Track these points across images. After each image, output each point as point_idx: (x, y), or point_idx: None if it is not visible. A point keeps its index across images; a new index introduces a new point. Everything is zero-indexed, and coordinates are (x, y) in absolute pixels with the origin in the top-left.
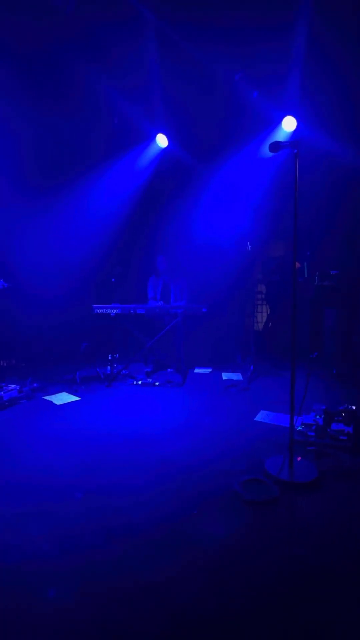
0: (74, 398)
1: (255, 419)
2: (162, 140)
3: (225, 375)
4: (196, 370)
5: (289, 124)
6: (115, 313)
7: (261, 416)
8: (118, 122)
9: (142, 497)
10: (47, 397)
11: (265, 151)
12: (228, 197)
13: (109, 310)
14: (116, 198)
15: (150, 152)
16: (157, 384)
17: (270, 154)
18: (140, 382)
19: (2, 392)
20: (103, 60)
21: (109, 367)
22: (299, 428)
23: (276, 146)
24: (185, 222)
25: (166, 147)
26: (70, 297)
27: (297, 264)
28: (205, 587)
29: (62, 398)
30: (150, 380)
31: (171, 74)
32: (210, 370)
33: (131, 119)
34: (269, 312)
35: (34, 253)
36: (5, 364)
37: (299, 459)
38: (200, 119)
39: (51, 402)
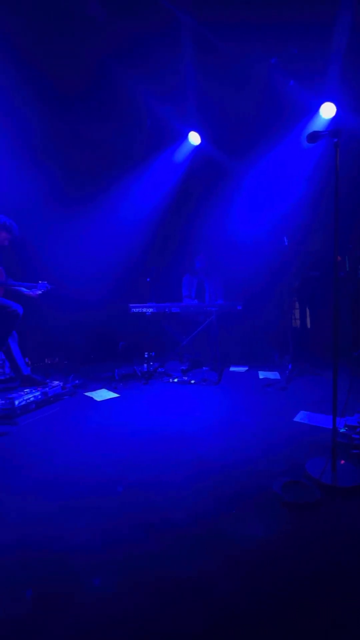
0: (113, 395)
1: (294, 419)
2: (194, 138)
3: (262, 374)
4: (232, 369)
5: (327, 110)
6: (151, 312)
7: (301, 417)
8: (150, 124)
9: (180, 494)
10: (88, 394)
11: (303, 142)
12: (263, 192)
13: (144, 310)
14: (150, 198)
15: (183, 151)
16: (192, 382)
17: (308, 145)
18: (176, 380)
19: (47, 388)
20: (136, 64)
21: (145, 365)
22: (342, 430)
23: (314, 136)
24: (220, 219)
25: (199, 145)
26: (109, 297)
27: (339, 258)
28: (243, 586)
29: (102, 395)
30: (186, 378)
31: (205, 70)
32: (246, 368)
33: (163, 119)
34: (307, 309)
35: (74, 256)
36: (49, 362)
37: (342, 462)
38: (233, 113)
39: (92, 398)
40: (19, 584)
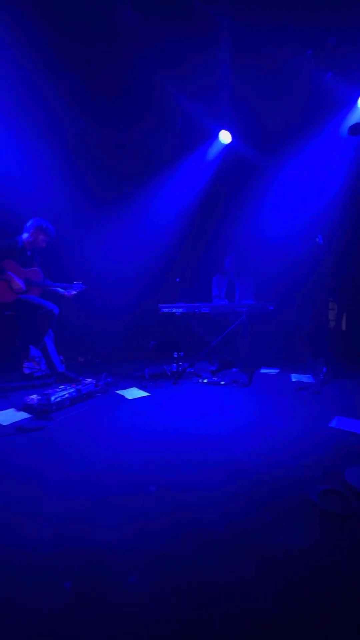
0: (143, 393)
1: (329, 424)
2: (225, 137)
3: (294, 377)
4: (262, 371)
5: None
6: (181, 312)
7: (337, 422)
8: (181, 123)
9: (212, 496)
10: (119, 392)
11: (340, 136)
12: (297, 189)
13: (174, 310)
14: (180, 198)
15: (213, 150)
16: (222, 383)
17: (346, 138)
18: (205, 381)
19: (81, 386)
20: (169, 66)
21: (175, 365)
22: None
23: (357, 128)
24: (251, 218)
25: (229, 143)
26: (139, 297)
27: None
28: (280, 594)
29: (133, 393)
30: (216, 379)
31: (238, 67)
32: (277, 371)
33: (193, 118)
34: (343, 310)
35: (106, 256)
36: (82, 360)
37: None
38: (266, 110)
39: (123, 396)
40: (57, 576)
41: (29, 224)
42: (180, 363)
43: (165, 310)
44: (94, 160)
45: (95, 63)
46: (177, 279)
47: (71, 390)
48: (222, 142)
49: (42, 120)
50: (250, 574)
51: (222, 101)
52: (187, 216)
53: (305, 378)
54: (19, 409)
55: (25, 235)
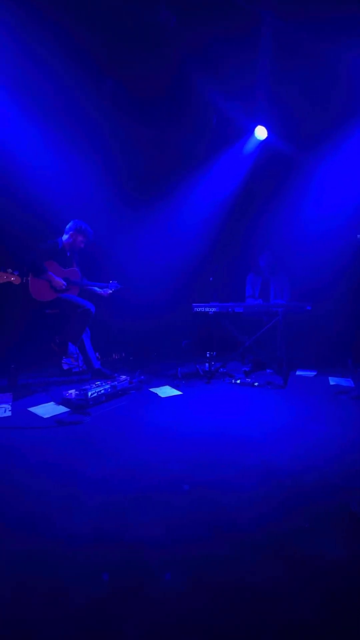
0: (176, 392)
1: None
2: (261, 133)
3: (332, 380)
4: (298, 373)
5: None
6: (214, 311)
7: None
8: (217, 121)
9: (246, 499)
10: (152, 389)
11: None
12: (336, 185)
13: (207, 309)
14: (214, 197)
15: (249, 147)
16: (256, 384)
17: None
18: (238, 382)
19: (116, 382)
20: (206, 64)
21: (207, 365)
22: None
23: None
24: (287, 215)
25: (266, 139)
26: (172, 296)
27: None
28: (314, 602)
29: (166, 391)
30: (249, 380)
31: (279, 62)
32: (314, 373)
33: (229, 115)
34: None
35: (140, 256)
36: (116, 357)
37: None
38: (306, 104)
39: (156, 394)
40: (96, 567)
41: (68, 226)
42: (213, 363)
43: (198, 309)
44: (129, 160)
45: (132, 65)
46: (211, 278)
47: (107, 387)
48: (258, 138)
49: (79, 122)
50: (285, 579)
51: (259, 96)
52: (221, 214)
53: (344, 382)
54: (58, 402)
55: (65, 237)
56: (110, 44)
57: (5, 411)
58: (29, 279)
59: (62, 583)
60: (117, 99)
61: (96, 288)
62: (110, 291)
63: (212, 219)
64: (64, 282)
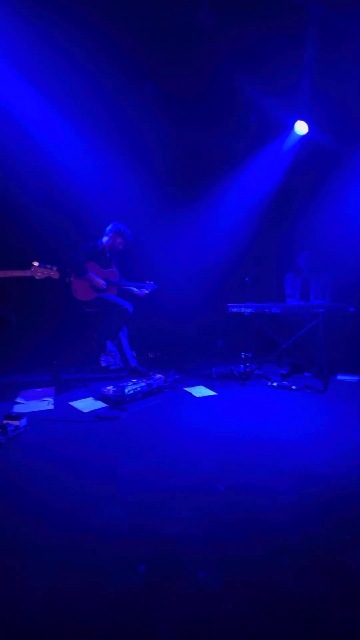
0: (210, 392)
1: None
2: (301, 128)
3: None
4: (339, 377)
5: None
6: (250, 312)
7: None
8: (255, 119)
9: (282, 503)
10: (187, 389)
11: None
12: None
13: (243, 309)
14: (252, 195)
15: (288, 143)
16: (293, 387)
17: None
18: (275, 384)
19: (151, 380)
20: (246, 62)
21: (242, 366)
22: None
23: None
24: (329, 212)
25: (306, 134)
26: (208, 296)
27: None
28: (355, 615)
29: (201, 391)
30: (286, 383)
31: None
32: (357, 378)
33: (267, 111)
34: None
35: (176, 256)
36: (152, 356)
37: None
38: (351, 97)
39: (191, 394)
40: (132, 559)
41: (108, 228)
42: (248, 364)
43: (234, 310)
44: (166, 161)
45: (170, 66)
46: (247, 278)
47: (143, 384)
48: (298, 133)
49: (119, 127)
50: (322, 588)
51: (301, 90)
52: (258, 213)
53: None
54: (97, 398)
55: (105, 239)
56: (149, 47)
57: (48, 404)
58: (72, 279)
59: (101, 572)
60: (156, 101)
61: (133, 288)
62: (147, 291)
63: (248, 218)
64: (104, 282)
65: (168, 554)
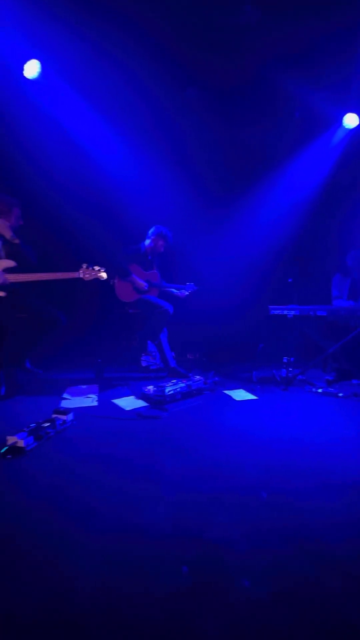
0: (251, 396)
1: None
2: (351, 120)
3: None
4: None
5: None
6: (293, 314)
7: None
8: (300, 115)
9: (333, 518)
10: (226, 392)
11: None
12: None
13: (285, 312)
14: (296, 193)
15: (336, 138)
16: (340, 395)
17: None
18: (320, 391)
19: (191, 382)
20: (292, 58)
21: (284, 370)
22: None
23: None
24: None
25: (356, 127)
26: (249, 298)
27: None
28: None
29: (241, 395)
30: (333, 390)
31: None
32: None
33: (313, 106)
34: None
35: (215, 257)
36: (191, 357)
37: None
38: None
39: (230, 397)
40: (175, 559)
41: (150, 231)
42: (291, 369)
43: (276, 312)
44: (208, 162)
45: (212, 68)
46: (290, 279)
47: (182, 385)
48: (347, 126)
49: (160, 130)
50: None
51: (352, 81)
52: (303, 210)
53: None
54: (137, 397)
55: (147, 242)
56: (192, 49)
57: (92, 401)
58: (116, 281)
59: (145, 569)
60: (197, 102)
61: (174, 290)
62: (187, 293)
63: (292, 216)
64: (146, 284)
65: (211, 558)
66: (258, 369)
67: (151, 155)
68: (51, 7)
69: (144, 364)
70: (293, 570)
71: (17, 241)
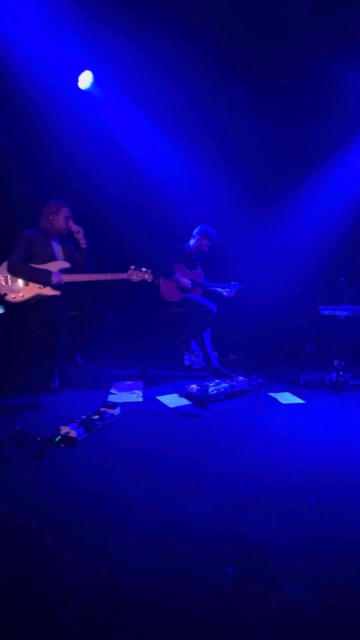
0: (298, 400)
1: None
2: None
3: None
4: None
5: None
6: (345, 315)
7: None
8: (355, 102)
9: None
10: (271, 394)
11: None
12: None
13: (337, 312)
14: (350, 186)
15: None
16: None
17: None
18: None
19: (234, 382)
20: (347, 44)
21: (334, 374)
22: None
23: None
24: None
25: None
26: (296, 298)
27: None
28: None
29: (287, 398)
30: None
31: None
32: None
33: None
34: None
35: (261, 256)
36: (234, 358)
37: None
38: None
39: (276, 399)
40: (220, 559)
41: (195, 230)
42: (341, 373)
43: (326, 312)
44: (253, 158)
45: (260, 63)
46: (342, 279)
47: (226, 386)
48: None
49: (205, 128)
50: None
51: None
52: (357, 206)
53: None
54: (181, 395)
55: (192, 242)
56: (240, 45)
57: (138, 397)
58: (160, 280)
59: (190, 567)
60: (245, 99)
61: (218, 289)
62: (232, 292)
63: (345, 211)
64: (190, 282)
65: (257, 561)
66: (306, 371)
67: (197, 155)
68: (102, 15)
69: (186, 362)
70: (345, 583)
71: (84, 246)
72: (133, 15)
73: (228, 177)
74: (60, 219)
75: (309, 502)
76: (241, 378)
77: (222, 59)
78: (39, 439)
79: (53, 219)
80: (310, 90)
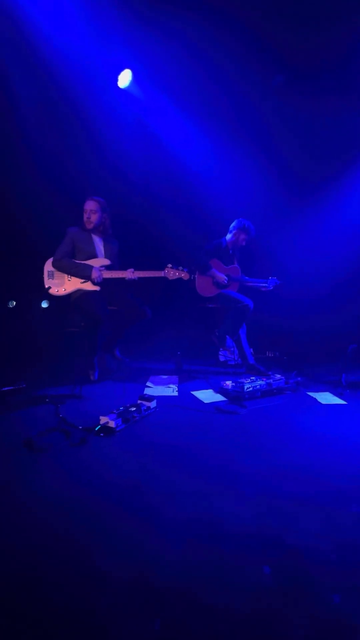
0: (338, 401)
1: None
2: None
3: None
4: None
5: None
6: None
7: None
8: None
9: None
10: (310, 394)
11: None
12: None
13: None
14: None
15: None
16: None
17: None
18: None
19: (271, 380)
20: None
21: None
22: None
23: None
24: None
25: None
26: (337, 295)
27: None
28: None
29: (327, 398)
30: None
31: None
32: None
33: None
34: None
35: (302, 251)
36: (270, 355)
37: None
38: None
39: (315, 399)
40: (256, 558)
41: (232, 225)
42: None
43: None
44: (293, 150)
45: (302, 52)
46: None
47: (262, 383)
48: None
49: (242, 121)
50: None
51: None
52: None
53: None
54: (216, 391)
55: (228, 236)
56: (279, 34)
57: (173, 391)
58: (196, 276)
59: (226, 562)
60: (285, 88)
61: (256, 284)
62: (270, 288)
63: None
64: (226, 278)
65: (295, 564)
66: (348, 372)
67: (233, 148)
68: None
69: (221, 358)
70: None
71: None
72: (168, 8)
73: (265, 169)
74: (86, 213)
75: (351, 507)
76: (278, 376)
77: (261, 48)
78: (80, 427)
79: (84, 215)
80: (355, 74)
